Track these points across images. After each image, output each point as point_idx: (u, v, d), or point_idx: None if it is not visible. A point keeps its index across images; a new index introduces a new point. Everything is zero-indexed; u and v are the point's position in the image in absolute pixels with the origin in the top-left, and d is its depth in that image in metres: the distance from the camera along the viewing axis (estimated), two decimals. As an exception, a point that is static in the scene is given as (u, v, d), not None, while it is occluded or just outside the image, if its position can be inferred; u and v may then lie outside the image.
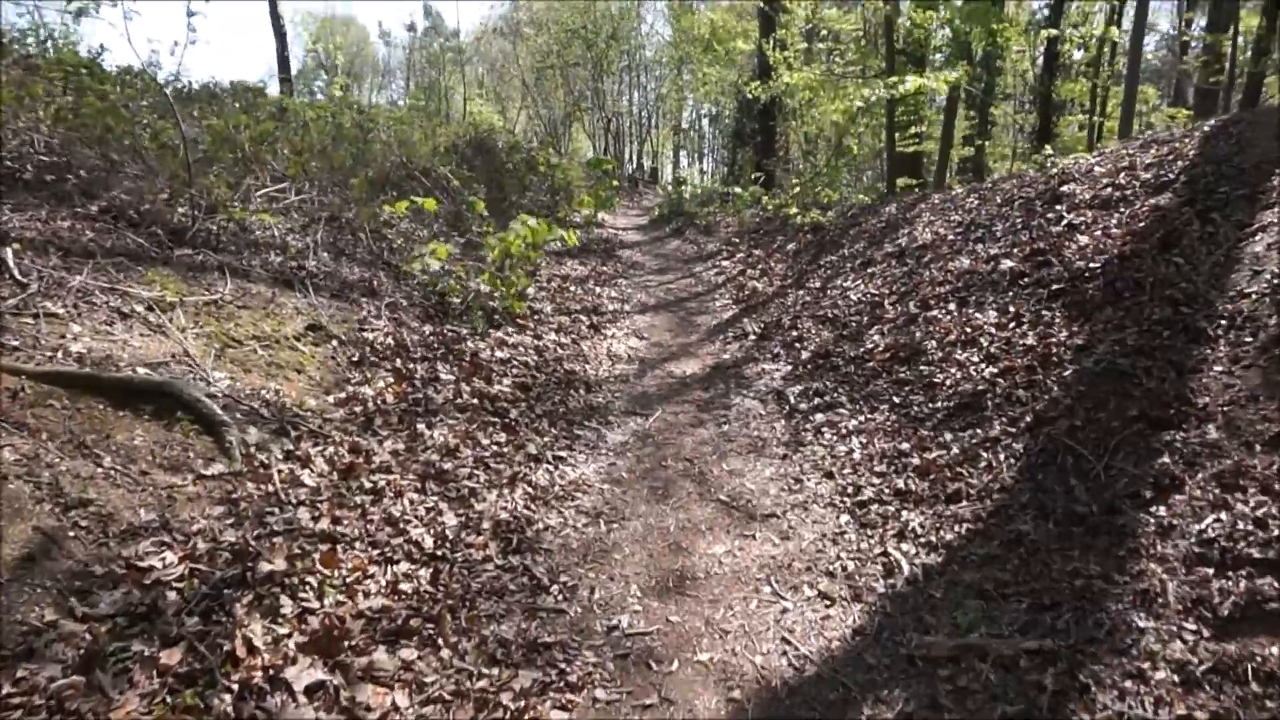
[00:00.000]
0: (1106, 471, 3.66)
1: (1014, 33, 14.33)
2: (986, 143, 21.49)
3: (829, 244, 10.29)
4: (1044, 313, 5.20)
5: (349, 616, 2.93)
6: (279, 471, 3.81)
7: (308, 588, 3.00)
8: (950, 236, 7.71)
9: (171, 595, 2.75)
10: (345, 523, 3.54)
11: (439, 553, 3.53)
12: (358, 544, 3.40)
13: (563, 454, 4.91)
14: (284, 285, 6.03)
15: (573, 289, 9.54)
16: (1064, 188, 7.01)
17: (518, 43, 32.70)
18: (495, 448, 4.72)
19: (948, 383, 5.11)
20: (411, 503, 3.87)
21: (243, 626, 2.67)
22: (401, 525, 3.62)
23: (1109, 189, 6.48)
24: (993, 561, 3.42)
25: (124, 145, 7.27)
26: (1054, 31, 14.74)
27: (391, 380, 5.47)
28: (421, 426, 4.77)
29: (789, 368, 6.70)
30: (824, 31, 23.90)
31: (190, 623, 2.65)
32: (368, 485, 3.91)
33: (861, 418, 5.22)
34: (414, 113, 23.19)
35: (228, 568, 2.98)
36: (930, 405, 4.99)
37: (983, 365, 5.07)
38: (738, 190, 15.31)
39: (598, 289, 10.06)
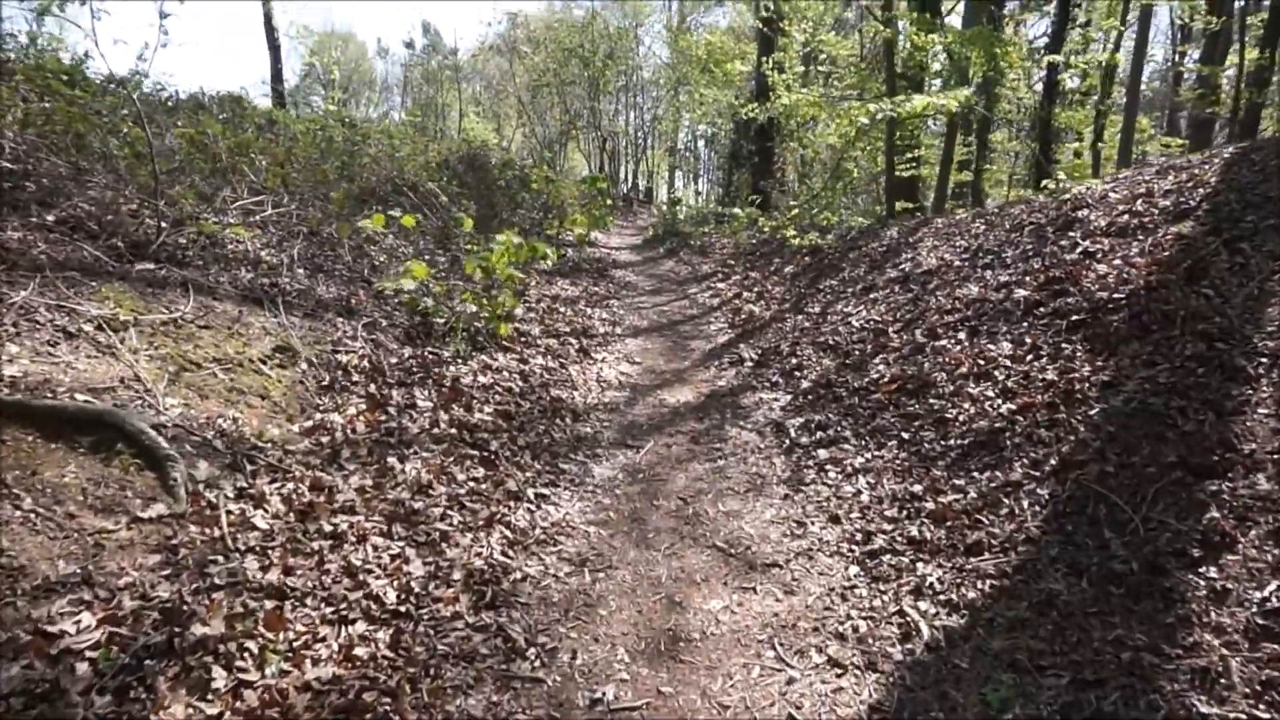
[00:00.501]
0: (1145, 524, 3.31)
1: (1016, 57, 14.16)
2: (984, 168, 21.34)
3: (828, 267, 9.98)
4: (1064, 345, 4.87)
5: (293, 689, 2.55)
6: (228, 513, 3.43)
7: (246, 655, 2.62)
8: (957, 262, 7.40)
9: (82, 668, 2.36)
10: (298, 573, 3.15)
11: (403, 609, 3.14)
12: (309, 600, 3.01)
13: (545, 491, 4.53)
14: (253, 303, 5.66)
15: (563, 310, 9.19)
16: (1077, 214, 6.72)
17: (514, 60, 32.55)
18: (472, 484, 4.34)
19: (961, 418, 4.77)
20: (375, 549, 3.48)
21: (163, 707, 2.29)
22: (362, 576, 3.24)
23: (1126, 216, 6.19)
24: (1023, 626, 3.06)
25: (95, 153, 6.92)
26: (1058, 57, 14.55)
27: (364, 407, 5.10)
28: (393, 460, 4.39)
29: (788, 397, 6.35)
30: (822, 55, 23.84)
31: (100, 703, 2.27)
32: (327, 528, 3.53)
33: (868, 454, 4.86)
34: (408, 128, 22.97)
35: (155, 631, 2.59)
36: (943, 443, 4.64)
37: (999, 400, 4.73)
38: (734, 211, 15.04)
39: (589, 310, 9.71)
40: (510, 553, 3.77)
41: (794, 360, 7.05)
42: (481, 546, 3.74)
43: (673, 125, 33.15)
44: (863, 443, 5.06)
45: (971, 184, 21.00)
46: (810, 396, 6.13)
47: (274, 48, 23.00)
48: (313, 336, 5.71)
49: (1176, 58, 23.49)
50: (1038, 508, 3.72)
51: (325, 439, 4.52)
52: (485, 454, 4.80)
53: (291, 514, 3.57)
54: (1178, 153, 21.27)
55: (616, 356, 7.94)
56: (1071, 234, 6.44)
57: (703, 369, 7.60)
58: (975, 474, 4.20)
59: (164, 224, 5.87)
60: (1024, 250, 6.72)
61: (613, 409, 6.37)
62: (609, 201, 16.69)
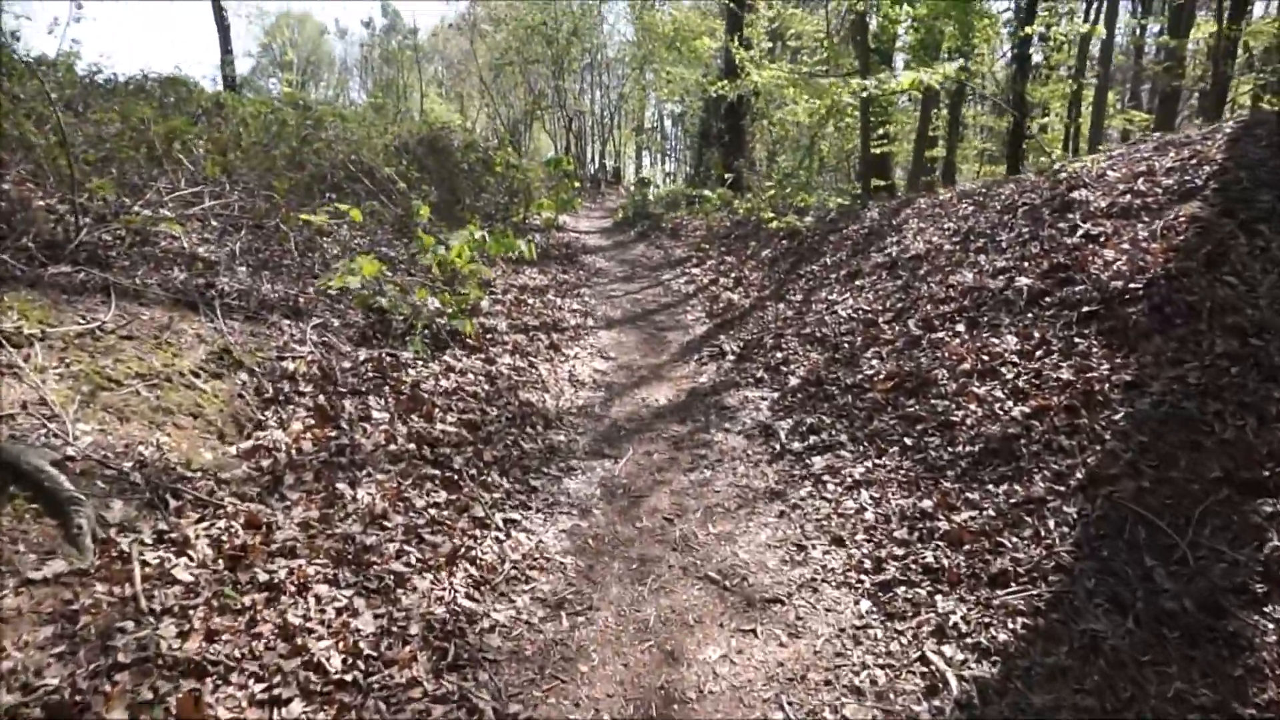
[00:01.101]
0: (1194, 552, 2.93)
1: (993, 30, 13.79)
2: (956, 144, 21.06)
3: (808, 251, 9.57)
4: (1077, 340, 4.49)
5: (208, 802, 2.08)
6: (144, 564, 2.93)
7: (151, 760, 2.14)
8: (947, 246, 7.02)
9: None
10: (224, 639, 2.67)
11: (349, 678, 2.67)
12: (236, 675, 2.54)
13: (516, 515, 4.07)
14: (186, 307, 5.10)
15: (531, 301, 8.69)
16: (1073, 194, 6.35)
17: (475, 39, 31.63)
18: (433, 511, 3.86)
19: (968, 422, 4.38)
20: (319, 600, 3.01)
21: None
22: (301, 639, 2.76)
23: (1128, 196, 5.83)
24: (1065, 676, 2.67)
25: (13, 142, 6.28)
26: (1037, 29, 14.19)
27: (312, 421, 4.59)
28: (343, 485, 3.90)
29: (775, 395, 5.94)
30: (790, 31, 23.33)
31: None
32: (263, 577, 3.04)
33: (869, 463, 4.46)
34: (367, 110, 22.11)
35: (34, 735, 2.11)
36: (950, 450, 4.25)
37: (1009, 402, 4.35)
38: (706, 193, 14.56)
39: (559, 301, 9.22)
40: (476, 595, 3.31)
41: (779, 354, 6.63)
42: (443, 589, 3.28)
43: (639, 104, 32.53)
44: (861, 449, 4.66)
45: (944, 160, 20.72)
46: (799, 395, 5.71)
47: (223, 28, 22.05)
48: (254, 342, 5.17)
49: (1138, 30, 23.30)
50: (1066, 529, 3.34)
51: (266, 462, 4.02)
52: (448, 473, 4.32)
53: (220, 560, 3.08)
54: (1142, 127, 21.15)
55: (590, 351, 7.47)
56: (1070, 216, 6.07)
57: (682, 363, 7.16)
58: (990, 487, 3.81)
59: (84, 220, 5.29)
60: (1019, 233, 6.35)
61: (587, 412, 5.91)
62: (576, 184, 16.12)
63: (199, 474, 3.71)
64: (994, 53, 19.81)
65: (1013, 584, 3.15)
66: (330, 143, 10.54)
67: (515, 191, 15.45)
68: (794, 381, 5.97)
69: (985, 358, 4.85)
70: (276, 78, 49.70)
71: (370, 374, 5.44)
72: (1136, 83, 26.23)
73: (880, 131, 15.88)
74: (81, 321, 4.35)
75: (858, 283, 7.46)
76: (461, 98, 39.04)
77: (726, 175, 16.59)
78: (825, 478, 4.42)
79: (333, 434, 4.49)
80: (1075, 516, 3.37)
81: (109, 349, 4.27)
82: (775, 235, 10.94)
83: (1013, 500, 3.62)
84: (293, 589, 3.02)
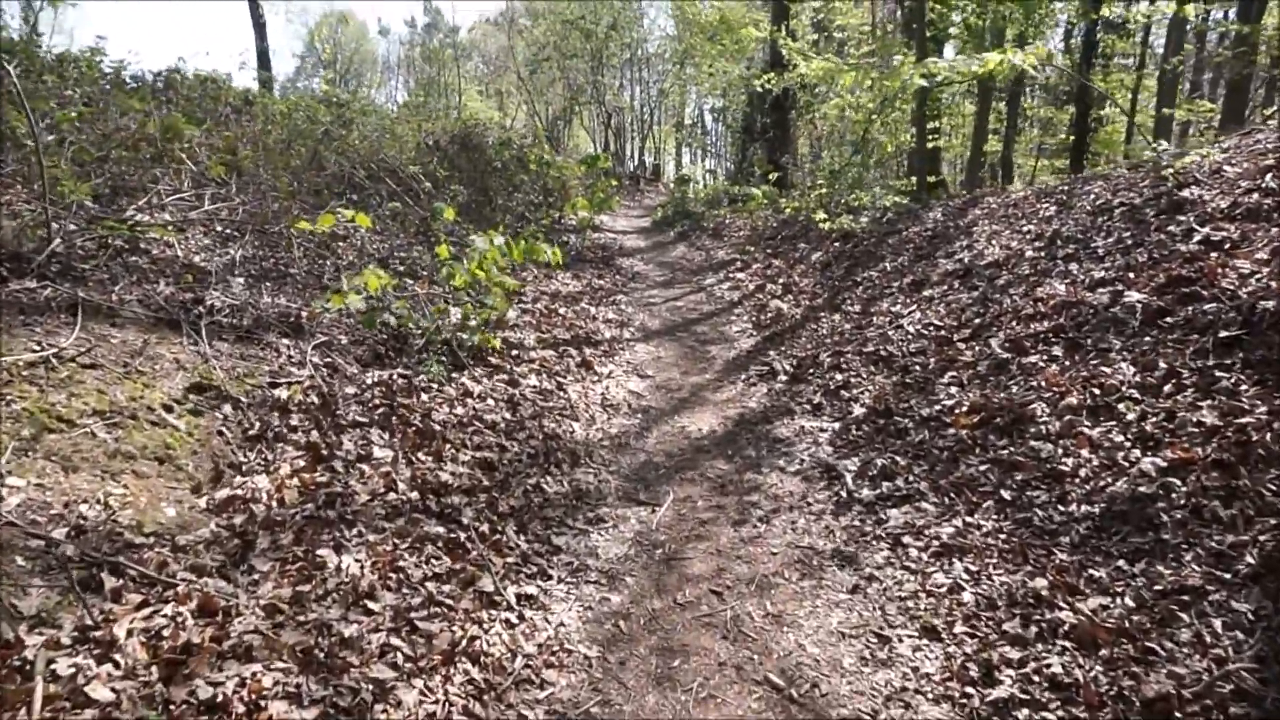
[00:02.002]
0: None
1: (1059, 13, 12.80)
2: (1015, 139, 19.96)
3: (864, 255, 8.76)
4: (1218, 373, 3.68)
5: None
6: (49, 680, 2.30)
7: None
8: (1029, 253, 6.19)
9: None
10: (135, 794, 2.02)
11: None
12: None
13: (532, 588, 3.38)
14: (167, 327, 4.51)
15: (563, 311, 8.02)
16: (1183, 193, 5.49)
17: (513, 35, 31.12)
18: (432, 586, 3.19)
19: (1081, 473, 3.59)
20: (271, 726, 2.35)
21: None
22: (237, 792, 2.10)
23: (1254, 195, 4.97)
24: None
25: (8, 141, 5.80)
26: (1116, 11, 13.14)
27: (301, 463, 3.97)
28: (326, 550, 3.25)
29: (836, 426, 5.18)
30: (836, 22, 22.40)
31: None
32: (205, 692, 2.39)
33: (957, 521, 3.69)
34: (406, 108, 21.64)
35: None
36: (1061, 509, 3.47)
37: (1134, 450, 3.55)
38: (751, 190, 13.77)
39: (593, 310, 8.54)
40: (478, 708, 2.63)
41: (838, 375, 5.86)
42: (436, 700, 2.60)
43: (679, 100, 31.76)
44: (946, 501, 3.89)
45: (1002, 156, 19.68)
46: (865, 427, 4.95)
47: (258, 25, 21.82)
48: (245, 366, 4.57)
49: (1203, 16, 21.97)
50: (1240, 634, 2.56)
51: (240, 519, 3.40)
52: (454, 529, 3.65)
53: (155, 668, 2.44)
54: (1207, 117, 19.84)
55: (624, 369, 6.77)
56: (1181, 218, 5.22)
57: (726, 384, 6.43)
58: (1122, 565, 3.03)
59: (60, 228, 4.73)
60: (1119, 238, 5.51)
61: (621, 443, 5.21)
62: (614, 182, 15.45)
63: (153, 538, 3.09)
64: (1046, 40, 18.72)
65: (1178, 714, 2.38)
66: (352, 141, 9.98)
67: (550, 190, 14.83)
68: (858, 410, 5.21)
69: (1095, 390, 4.05)
70: (319, 77, 49.88)
71: (377, 401, 4.81)
72: (1197, 72, 24.78)
73: (931, 125, 14.98)
74: (37, 348, 3.77)
75: (925, 293, 6.66)
76: (501, 95, 38.60)
77: (771, 172, 15.76)
78: (905, 539, 3.66)
79: (324, 479, 3.86)
80: (1251, 617, 2.59)
81: (65, 381, 3.67)
82: (827, 237, 10.13)
83: (1158, 587, 2.84)
84: (240, 710, 2.36)
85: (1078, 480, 3.56)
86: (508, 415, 5.12)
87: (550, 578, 3.50)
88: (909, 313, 6.45)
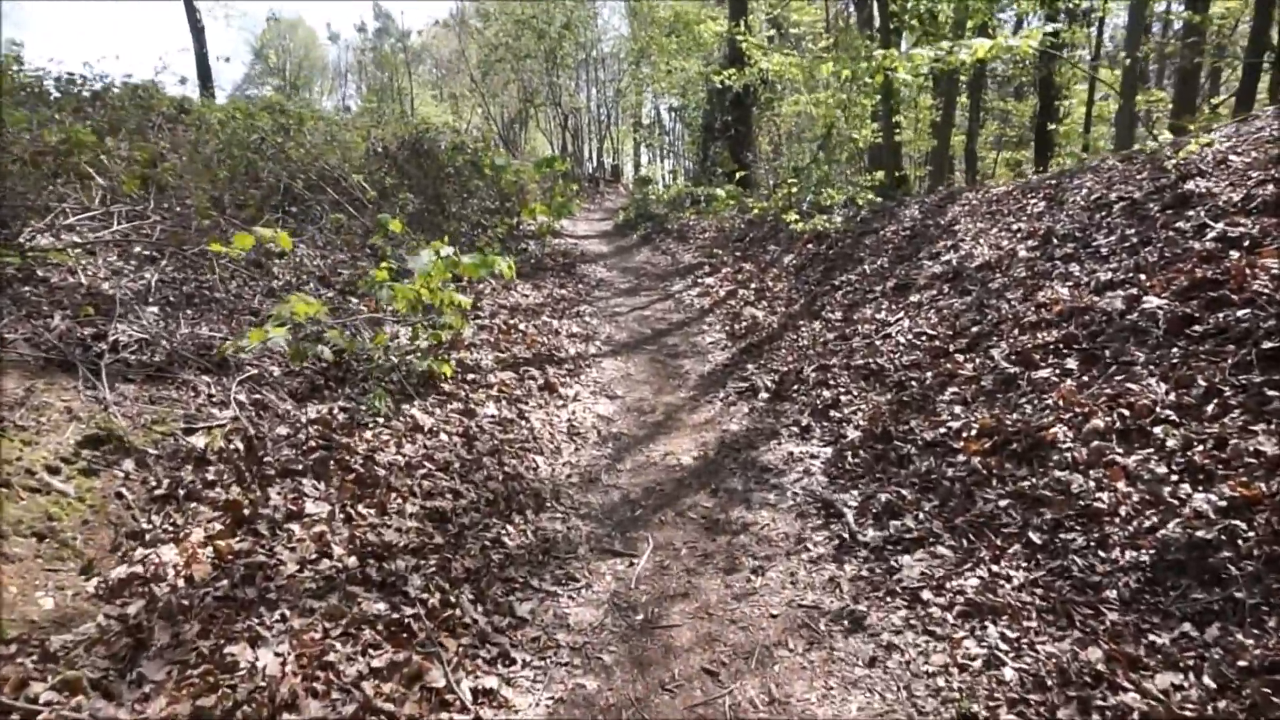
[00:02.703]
0: None
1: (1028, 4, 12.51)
2: (978, 131, 19.78)
3: (840, 257, 8.32)
4: (1268, 391, 3.24)
5: None
6: None
7: None
8: (1023, 252, 5.77)
9: None
10: None
11: None
12: None
13: (492, 679, 2.81)
14: (60, 369, 3.88)
15: (522, 326, 7.45)
16: (1188, 185, 5.10)
17: (464, 36, 30.36)
18: (370, 686, 2.62)
19: (1122, 511, 3.13)
20: None
21: None
22: None
23: (1269, 186, 4.58)
24: None
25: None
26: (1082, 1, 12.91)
27: (219, 526, 3.37)
28: (238, 647, 2.66)
29: (828, 451, 4.69)
30: (792, 18, 22.10)
31: None
32: None
33: (981, 570, 3.21)
34: (362, 116, 20.79)
35: None
36: (1103, 555, 3.00)
37: (1180, 483, 3.10)
38: (717, 191, 13.30)
39: (555, 323, 7.98)
40: None
41: (825, 392, 5.38)
42: None
43: (637, 100, 31.26)
44: (965, 545, 3.40)
45: (966, 149, 19.50)
46: (862, 453, 4.46)
47: (196, 30, 20.95)
48: (154, 412, 3.94)
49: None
50: (1356, 726, 2.09)
51: (135, 606, 2.80)
52: (398, 604, 3.08)
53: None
54: (1161, 107, 19.83)
55: (592, 389, 6.23)
56: (1190, 213, 4.83)
57: (703, 402, 5.92)
58: (1189, 629, 2.57)
59: (-71, 257, 4.07)
60: (1123, 236, 5.10)
61: (591, 478, 4.67)
62: (574, 185, 14.91)
63: (16, 645, 2.49)
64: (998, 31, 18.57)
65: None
66: (290, 149, 9.30)
67: (507, 196, 14.22)
68: (852, 433, 4.72)
69: (1124, 411, 3.60)
70: (270, 85, 48.48)
71: (314, 442, 4.22)
72: (1146, 62, 24.89)
73: (892, 119, 14.69)
74: (-117, 406, 3.13)
75: (912, 298, 6.21)
76: (456, 99, 37.76)
77: (736, 171, 15.31)
78: (924, 594, 3.17)
79: (244, 545, 3.27)
80: (1366, 704, 2.13)
81: (-84, 446, 3.04)
82: (798, 238, 9.68)
83: (1242, 663, 2.37)
84: None
85: (1118, 520, 3.10)
86: (463, 452, 4.55)
87: (513, 661, 2.94)
88: (896, 320, 5.99)
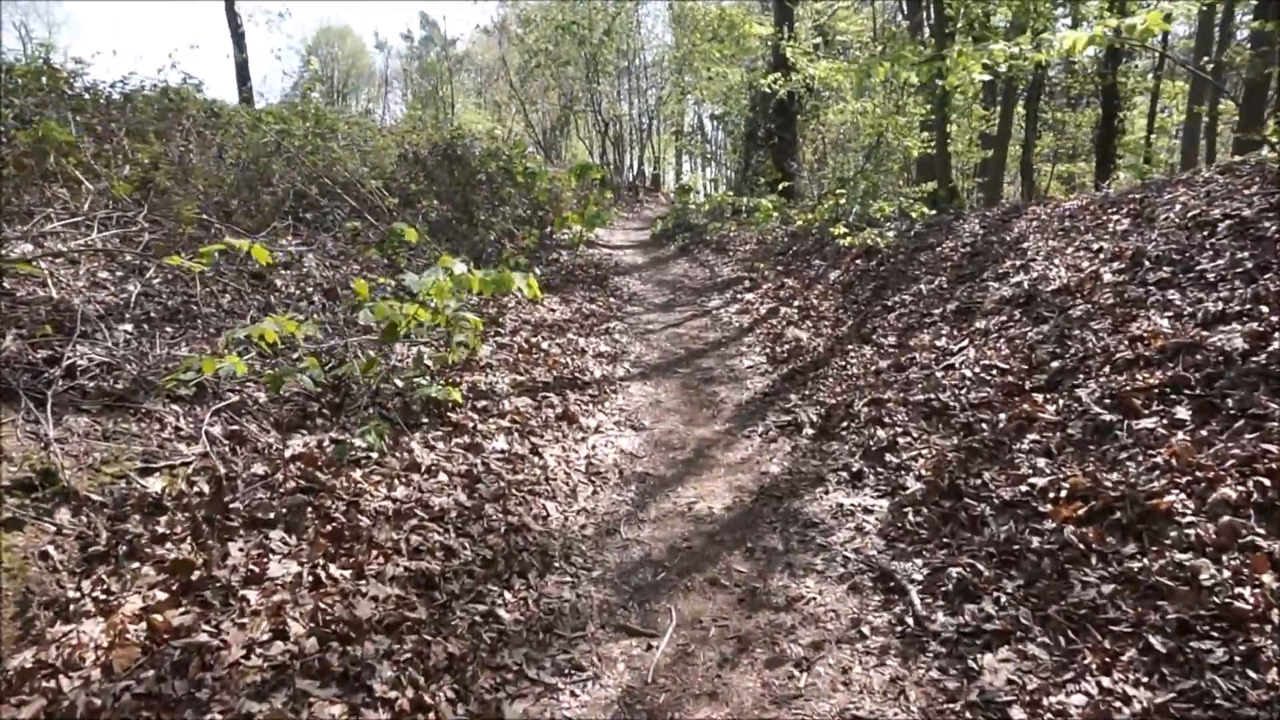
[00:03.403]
0: None
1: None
2: (1035, 143, 18.85)
3: (892, 275, 7.63)
4: None
5: None
6: None
7: None
8: (1108, 277, 5.06)
9: None
10: None
11: None
12: None
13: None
14: (2, 398, 3.39)
15: (545, 345, 6.90)
16: (1311, 200, 4.36)
17: (504, 42, 30.11)
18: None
19: (1275, 618, 2.45)
20: None
21: None
22: None
23: None
24: None
25: None
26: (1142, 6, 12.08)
27: (161, 594, 2.84)
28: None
29: (884, 504, 4.04)
30: (838, 27, 21.46)
31: None
32: None
33: (1088, 683, 2.54)
34: (407, 123, 20.51)
35: None
36: (1254, 677, 2.32)
37: (1356, 585, 2.40)
38: (758, 201, 12.67)
39: (581, 341, 7.41)
40: None
41: (879, 431, 4.72)
42: None
43: (678, 108, 30.73)
44: (1063, 645, 2.73)
45: (1022, 160, 18.60)
46: (925, 510, 3.80)
47: (237, 36, 20.93)
48: (107, 450, 3.43)
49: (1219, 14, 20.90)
50: None
51: (27, 714, 2.26)
52: (358, 709, 2.51)
53: None
54: (1225, 119, 18.71)
55: (616, 419, 5.64)
56: (1318, 233, 4.10)
57: (740, 438, 5.30)
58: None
59: None
60: (1234, 260, 4.39)
61: (608, 529, 4.07)
62: (608, 194, 14.38)
63: None
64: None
65: None
66: (307, 154, 8.87)
67: (540, 205, 13.73)
68: (912, 484, 4.06)
69: (1263, 480, 2.91)
70: (318, 92, 48.96)
71: (294, 482, 3.69)
72: (1214, 74, 23.69)
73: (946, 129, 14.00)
74: None
75: (977, 324, 5.52)
76: (499, 105, 37.60)
77: (780, 180, 14.65)
78: (1014, 711, 2.51)
79: (186, 620, 2.73)
80: None
81: None
82: (846, 253, 9.01)
83: None
84: None
85: (1269, 630, 2.42)
86: (463, 497, 3.98)
87: (493, 795, 2.35)
88: (960, 349, 5.32)
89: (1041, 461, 3.73)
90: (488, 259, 9.15)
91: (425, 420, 4.81)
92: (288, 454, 4.00)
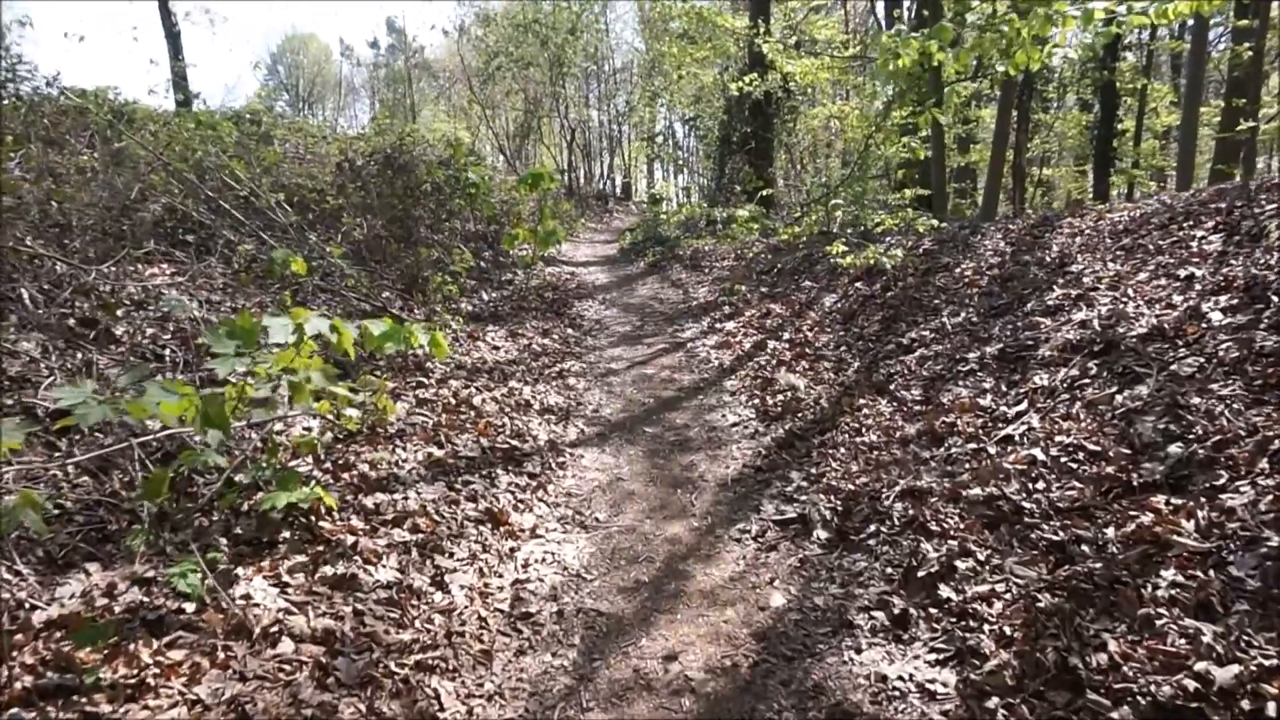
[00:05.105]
0: None
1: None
2: (1026, 145, 17.73)
3: (904, 303, 6.31)
4: None
5: None
6: None
7: None
8: (1216, 316, 3.76)
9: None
10: None
11: None
12: None
13: None
14: None
15: (479, 399, 5.49)
16: None
17: (462, 43, 28.61)
18: None
19: None
20: None
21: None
22: None
23: None
24: None
25: None
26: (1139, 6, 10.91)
27: None
28: None
29: (949, 679, 2.67)
30: (810, 32, 20.39)
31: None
32: None
33: None
34: (381, 124, 19.05)
35: None
36: None
37: None
38: (739, 212, 11.35)
39: (526, 391, 6.01)
40: None
41: (923, 542, 3.36)
42: None
43: (651, 114, 29.41)
44: None
45: (1014, 164, 17.47)
46: (1008, 680, 2.45)
47: (172, 37, 19.42)
48: None
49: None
50: None
51: None
52: None
53: None
54: (1208, 118, 17.77)
55: (560, 512, 4.25)
56: None
57: (725, 540, 3.92)
58: None
59: None
60: None
61: (535, 725, 2.68)
62: (568, 206, 13.01)
63: None
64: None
65: None
66: (190, 165, 7.38)
67: (494, 219, 12.32)
68: (990, 647, 2.70)
69: None
70: (283, 101, 47.09)
71: (22, 686, 2.27)
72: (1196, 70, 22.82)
73: (923, 134, 12.85)
74: None
75: (1036, 378, 4.19)
76: (466, 112, 36.10)
77: (760, 188, 13.34)
78: None
79: None
80: None
81: None
82: (841, 273, 7.70)
83: None
84: None
85: None
86: (308, 689, 2.56)
87: None
88: (1016, 414, 3.98)
89: (1198, 624, 2.39)
90: (419, 285, 7.73)
91: (287, 535, 3.40)
92: (53, 609, 2.61)
